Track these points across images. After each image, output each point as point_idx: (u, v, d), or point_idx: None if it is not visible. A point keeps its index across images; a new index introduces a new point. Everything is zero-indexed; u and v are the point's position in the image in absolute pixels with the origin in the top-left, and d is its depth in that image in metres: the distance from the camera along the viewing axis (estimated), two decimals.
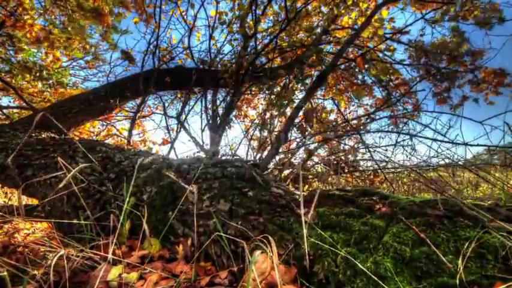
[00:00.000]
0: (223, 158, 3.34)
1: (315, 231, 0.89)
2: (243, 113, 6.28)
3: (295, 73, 2.83)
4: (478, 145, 1.78)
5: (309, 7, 4.36)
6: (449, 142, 1.85)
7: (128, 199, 1.17)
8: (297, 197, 1.11)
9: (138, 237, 1.29)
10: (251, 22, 3.03)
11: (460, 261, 0.64)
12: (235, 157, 3.22)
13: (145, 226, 1.13)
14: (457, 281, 0.59)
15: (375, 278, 0.63)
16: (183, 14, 4.48)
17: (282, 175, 3.31)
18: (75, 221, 1.45)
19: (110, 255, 0.84)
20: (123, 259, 1.12)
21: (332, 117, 5.06)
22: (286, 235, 0.94)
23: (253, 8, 2.73)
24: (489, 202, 0.85)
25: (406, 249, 0.72)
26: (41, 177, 1.66)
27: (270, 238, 0.71)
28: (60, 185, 0.88)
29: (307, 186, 2.74)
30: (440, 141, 1.92)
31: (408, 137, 2.18)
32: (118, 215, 1.43)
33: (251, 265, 0.55)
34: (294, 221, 0.96)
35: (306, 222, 0.83)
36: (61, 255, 1.04)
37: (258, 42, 3.78)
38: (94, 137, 5.92)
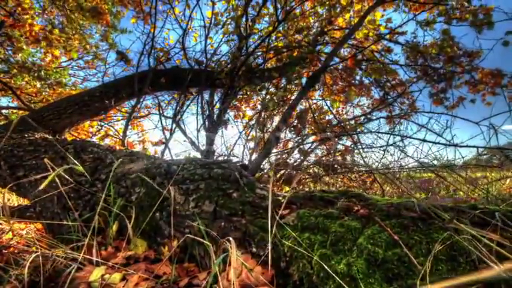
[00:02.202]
0: (214, 158, 3.34)
1: (294, 232, 0.89)
2: (241, 113, 6.28)
3: (288, 74, 2.84)
4: (467, 146, 1.79)
5: (305, 7, 4.37)
6: (439, 143, 1.86)
7: (103, 195, 1.17)
8: (280, 198, 1.12)
9: (125, 238, 1.30)
10: (246, 23, 3.03)
11: (428, 263, 0.64)
12: (225, 157, 3.23)
13: (129, 228, 1.14)
14: (418, 282, 0.59)
15: (341, 282, 0.63)
16: (180, 14, 4.50)
17: (278, 175, 3.31)
18: (63, 222, 1.46)
19: (81, 256, 0.85)
20: (107, 260, 1.13)
21: (330, 117, 5.06)
22: (267, 236, 0.95)
23: (248, 9, 2.73)
24: (466, 204, 0.85)
25: (379, 251, 0.72)
26: (32, 178, 1.67)
27: (231, 239, 0.72)
28: (41, 187, 0.89)
29: (301, 186, 2.75)
30: (432, 142, 1.92)
31: (401, 138, 2.19)
32: (107, 216, 1.44)
33: (214, 266, 0.56)
34: (275, 223, 0.97)
35: (274, 221, 0.83)
36: (47, 255, 1.05)
37: (256, 43, 3.79)
38: (93, 137, 5.94)
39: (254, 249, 0.94)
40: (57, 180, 1.43)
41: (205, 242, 0.80)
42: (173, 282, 0.89)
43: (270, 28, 3.24)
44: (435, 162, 2.03)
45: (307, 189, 2.82)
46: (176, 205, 1.37)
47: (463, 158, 1.96)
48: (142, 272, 1.02)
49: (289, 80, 2.89)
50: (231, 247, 0.67)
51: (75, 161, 1.81)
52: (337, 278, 0.63)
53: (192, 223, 1.20)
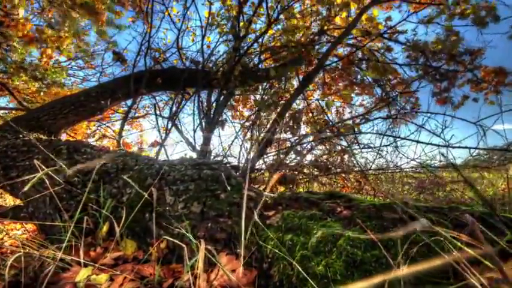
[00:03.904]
0: (210, 158, 3.35)
1: (278, 233, 0.90)
2: (239, 113, 6.28)
3: (282, 75, 2.84)
4: (459, 147, 1.79)
5: (305, 5, 4.37)
6: (431, 144, 1.86)
7: (85, 195, 1.18)
8: (267, 199, 1.12)
9: (116, 239, 1.31)
10: (242, 23, 3.03)
11: (404, 264, 0.64)
12: (222, 158, 3.23)
13: (117, 230, 1.15)
14: (387, 284, 0.60)
15: (314, 286, 0.64)
16: (178, 14, 4.50)
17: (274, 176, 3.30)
18: (54, 223, 1.46)
19: (60, 255, 0.86)
20: (96, 260, 1.14)
21: (327, 117, 5.05)
22: (252, 237, 0.95)
23: (243, 9, 2.74)
24: (448, 205, 0.86)
25: (358, 253, 0.73)
26: (25, 178, 1.67)
27: (202, 241, 0.72)
28: (26, 187, 0.89)
29: (295, 187, 2.75)
30: (424, 143, 1.93)
31: (393, 138, 2.19)
32: (98, 217, 1.45)
33: (187, 267, 0.56)
34: (260, 224, 0.97)
35: (258, 222, 0.84)
36: (32, 256, 1.05)
37: (253, 43, 3.79)
38: (90, 138, 5.94)
39: (239, 250, 0.95)
40: (47, 181, 1.43)
41: (178, 242, 0.81)
42: (158, 283, 0.89)
43: (265, 28, 3.23)
44: (429, 162, 2.04)
45: (302, 190, 2.82)
46: (166, 206, 1.38)
47: (454, 158, 1.96)
48: (129, 273, 1.02)
49: (282, 80, 2.90)
50: (201, 248, 0.68)
51: (68, 163, 1.81)
52: (311, 281, 0.64)
53: (180, 224, 1.21)
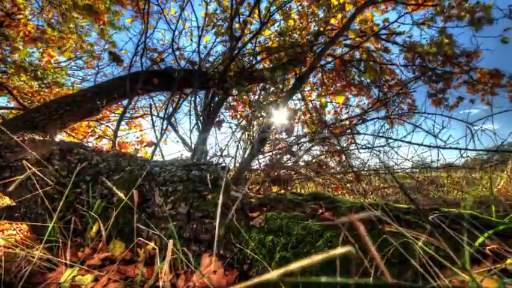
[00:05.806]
0: (207, 158, 3.35)
1: (260, 234, 0.90)
2: (238, 114, 6.28)
3: (276, 76, 2.85)
4: (450, 148, 1.80)
5: (304, 7, 4.37)
6: (424, 145, 1.86)
7: (65, 194, 1.18)
8: (253, 200, 1.12)
9: (106, 240, 1.32)
10: (237, 25, 3.04)
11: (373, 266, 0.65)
12: (218, 158, 3.24)
13: (103, 231, 1.15)
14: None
15: (284, 285, 0.64)
16: (176, 14, 4.51)
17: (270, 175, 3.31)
18: (44, 223, 1.47)
19: (38, 254, 0.86)
20: (84, 261, 1.15)
21: (325, 117, 5.04)
22: (235, 239, 0.96)
23: (239, 10, 2.74)
24: (429, 207, 0.86)
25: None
26: (16, 178, 1.68)
27: (170, 241, 0.72)
28: (11, 188, 0.90)
29: (290, 187, 2.75)
30: (416, 144, 1.93)
31: (386, 139, 2.20)
32: (88, 217, 1.46)
33: (157, 269, 0.56)
34: (244, 225, 0.98)
35: (244, 222, 0.84)
36: (20, 255, 1.06)
37: (249, 44, 3.79)
38: (89, 138, 5.96)
39: (222, 252, 0.95)
40: (39, 182, 1.44)
41: (148, 242, 0.81)
42: (140, 283, 0.90)
43: (257, 30, 3.24)
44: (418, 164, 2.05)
45: (296, 191, 2.83)
46: (155, 207, 1.39)
47: (445, 159, 1.97)
48: (115, 273, 1.03)
49: (279, 81, 2.91)
50: (165, 251, 0.68)
51: (61, 163, 1.82)
52: (282, 285, 0.64)
53: (167, 225, 1.22)
